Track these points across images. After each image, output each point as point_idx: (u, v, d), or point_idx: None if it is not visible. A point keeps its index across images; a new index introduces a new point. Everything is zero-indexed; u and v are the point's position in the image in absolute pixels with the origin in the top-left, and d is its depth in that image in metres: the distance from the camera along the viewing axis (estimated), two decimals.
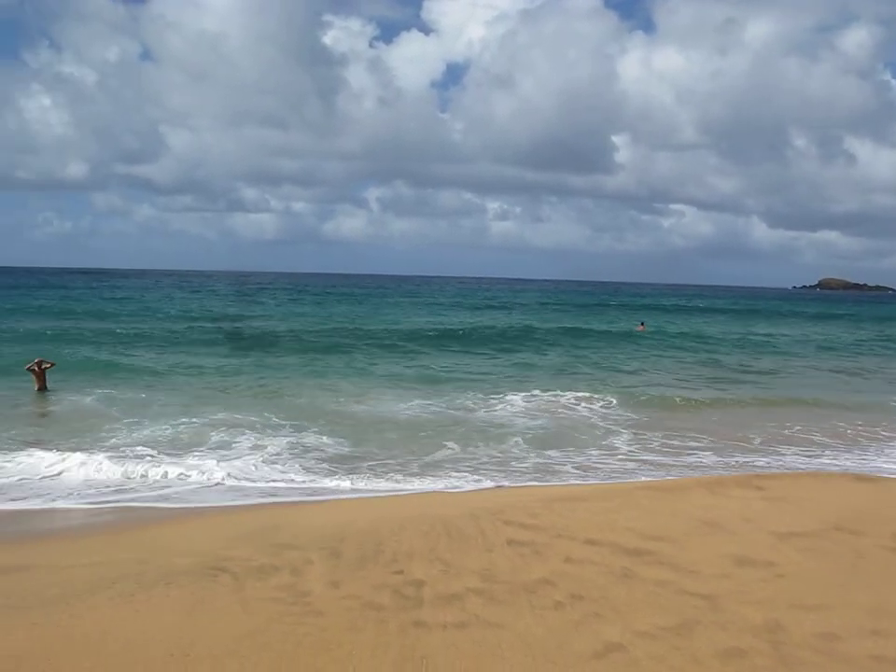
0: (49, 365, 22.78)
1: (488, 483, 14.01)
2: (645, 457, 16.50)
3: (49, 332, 39.10)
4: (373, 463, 15.40)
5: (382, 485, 13.74)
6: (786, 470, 15.45)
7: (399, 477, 14.38)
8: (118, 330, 41.23)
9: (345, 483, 13.71)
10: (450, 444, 17.08)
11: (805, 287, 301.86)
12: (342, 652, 6.40)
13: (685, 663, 6.27)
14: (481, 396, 23.69)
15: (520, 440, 17.88)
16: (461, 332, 46.19)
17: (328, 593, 7.65)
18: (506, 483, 14.06)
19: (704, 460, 16.35)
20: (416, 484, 13.92)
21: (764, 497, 11.57)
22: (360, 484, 13.71)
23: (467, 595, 7.56)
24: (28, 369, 22.38)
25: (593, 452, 16.95)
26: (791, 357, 39.30)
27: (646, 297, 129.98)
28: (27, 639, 6.73)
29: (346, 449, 16.56)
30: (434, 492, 13.39)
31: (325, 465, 15.10)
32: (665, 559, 8.65)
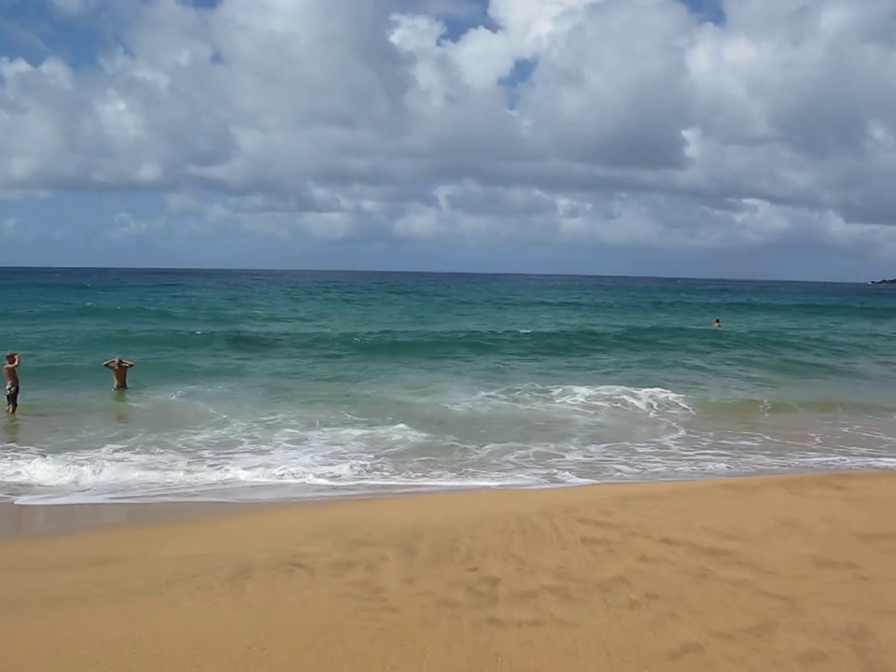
0: (129, 364, 23.45)
1: (560, 480, 13.96)
2: (719, 455, 16.24)
3: (140, 333, 40.16)
4: (446, 459, 15.47)
5: (454, 482, 13.77)
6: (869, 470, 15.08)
7: (472, 470, 14.45)
8: (197, 332, 41.92)
9: (419, 480, 13.79)
10: (522, 441, 17.07)
11: (884, 281, 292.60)
12: (415, 648, 6.44)
13: (764, 665, 6.15)
14: (550, 392, 23.66)
15: (589, 436, 17.80)
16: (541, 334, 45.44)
17: (402, 589, 7.71)
18: (578, 481, 13.98)
19: (781, 460, 16.03)
20: (489, 480, 13.93)
21: (845, 497, 11.30)
22: (433, 482, 13.76)
23: (541, 593, 7.54)
24: (106, 365, 23.17)
25: (665, 449, 16.76)
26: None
27: (722, 293, 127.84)
28: (117, 628, 6.92)
29: (420, 444, 16.68)
30: (507, 489, 13.38)
31: (399, 461, 15.22)
32: (743, 559, 8.51)
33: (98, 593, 7.87)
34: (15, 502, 12.52)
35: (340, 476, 14.09)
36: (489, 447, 16.45)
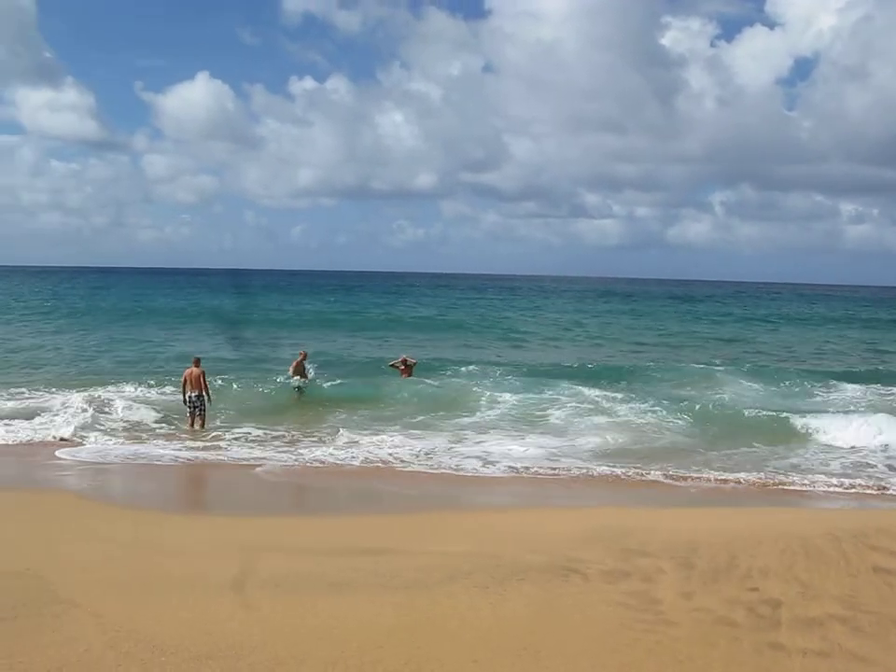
0: (413, 361, 25.30)
1: (850, 501, 13.09)
2: None
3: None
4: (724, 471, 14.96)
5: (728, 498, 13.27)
6: None
7: (742, 476, 13.88)
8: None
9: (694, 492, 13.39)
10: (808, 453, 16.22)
11: None
12: (693, 666, 6.25)
13: None
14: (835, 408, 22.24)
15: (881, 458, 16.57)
16: None
17: (679, 603, 7.51)
18: (867, 504, 13.06)
19: None
20: (771, 498, 13.31)
21: None
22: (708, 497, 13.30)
23: (828, 622, 7.08)
24: (392, 365, 24.69)
25: None
26: None
27: None
28: (393, 617, 7.24)
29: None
30: (789, 508, 12.72)
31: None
32: None
33: (375, 581, 8.26)
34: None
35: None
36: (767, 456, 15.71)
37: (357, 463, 15.47)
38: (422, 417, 20.03)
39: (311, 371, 23.78)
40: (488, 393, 22.83)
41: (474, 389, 23.41)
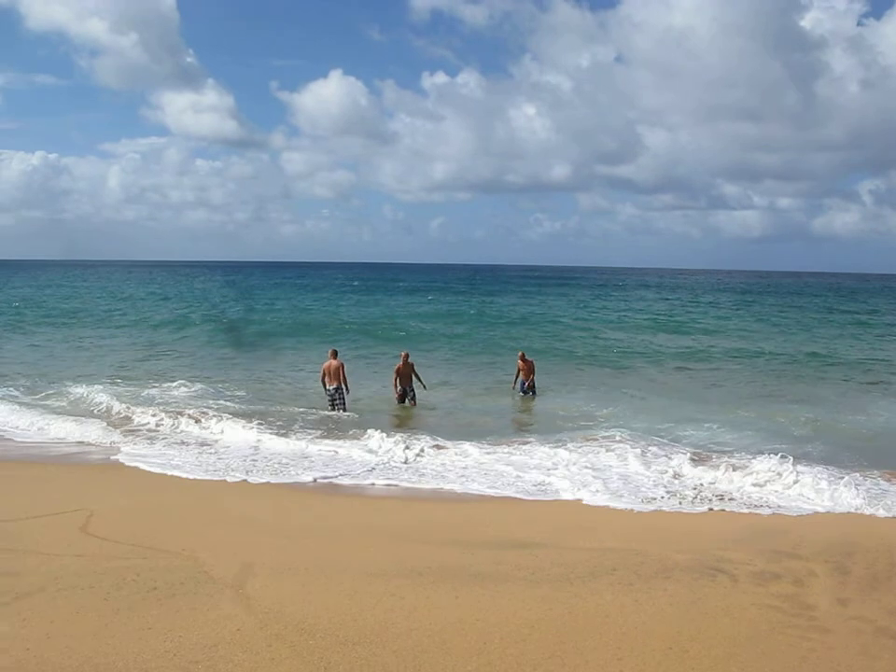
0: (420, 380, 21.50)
1: None
2: None
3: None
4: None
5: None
6: None
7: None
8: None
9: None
10: None
11: None
12: None
13: None
14: None
15: None
16: None
17: (834, 610, 7.19)
18: None
19: None
20: None
21: None
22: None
23: None
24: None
25: None
26: None
27: None
28: (538, 611, 7.21)
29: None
30: None
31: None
32: None
33: (519, 574, 8.24)
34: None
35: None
36: None
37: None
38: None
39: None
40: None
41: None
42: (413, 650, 6.40)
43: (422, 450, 14.46)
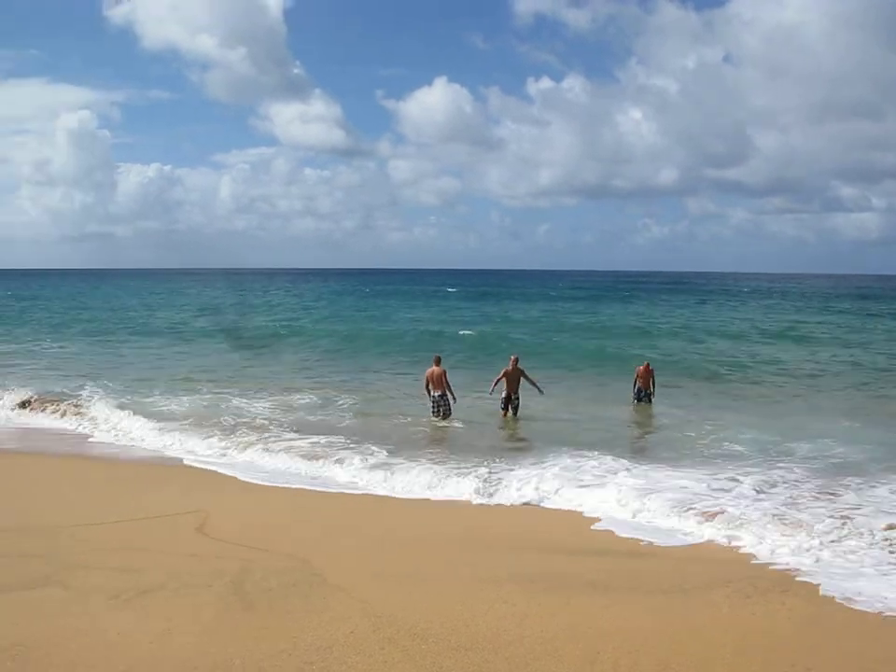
0: (534, 382, 19.99)
1: None
2: None
3: None
4: None
5: None
6: None
7: None
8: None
9: None
10: None
11: None
12: None
13: None
14: None
15: None
16: None
17: None
18: None
19: None
20: None
21: None
22: None
23: None
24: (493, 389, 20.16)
25: None
26: None
27: None
28: (650, 620, 7.08)
29: None
30: None
31: None
32: None
33: (631, 584, 8.12)
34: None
35: None
36: None
37: None
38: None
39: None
40: None
41: None
42: (525, 657, 6.36)
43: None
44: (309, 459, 14.95)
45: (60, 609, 7.39)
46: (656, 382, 20.92)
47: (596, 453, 14.48)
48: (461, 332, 42.13)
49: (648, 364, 21.15)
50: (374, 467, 14.15)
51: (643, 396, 20.62)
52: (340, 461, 14.61)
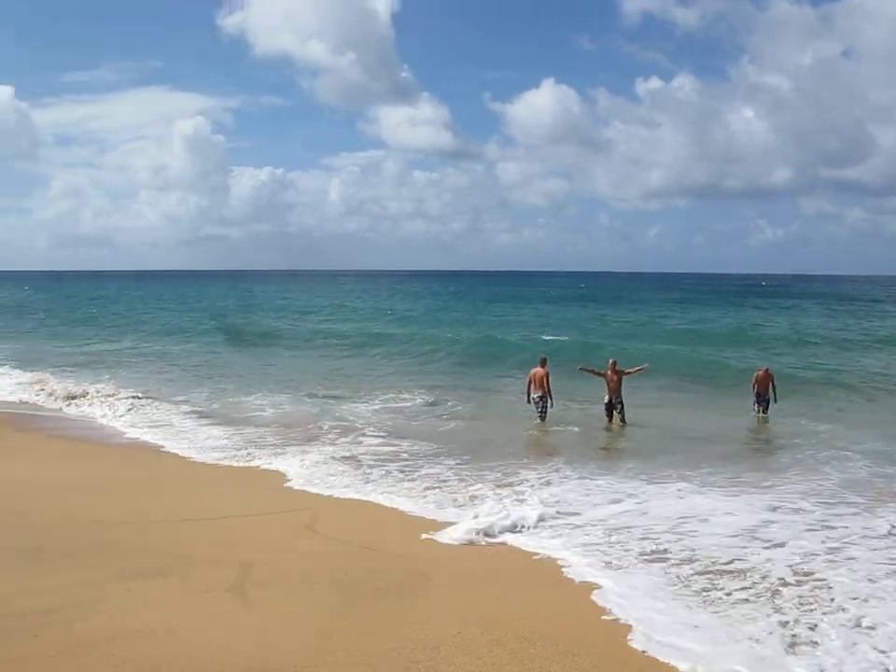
0: (637, 369, 19.94)
1: None
2: None
3: None
4: None
5: None
6: None
7: None
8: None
9: None
10: None
11: None
12: None
13: None
14: None
15: None
16: None
17: None
18: None
19: None
20: None
21: None
22: None
23: None
24: (585, 370, 20.27)
25: None
26: None
27: None
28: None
29: None
30: None
31: None
32: None
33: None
34: None
35: None
36: None
37: None
38: None
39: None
40: None
41: None
42: (636, 662, 6.30)
43: None
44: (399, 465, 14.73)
45: (178, 600, 7.62)
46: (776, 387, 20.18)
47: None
48: (546, 338, 39.35)
49: (767, 369, 20.59)
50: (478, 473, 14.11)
51: (762, 401, 20.00)
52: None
